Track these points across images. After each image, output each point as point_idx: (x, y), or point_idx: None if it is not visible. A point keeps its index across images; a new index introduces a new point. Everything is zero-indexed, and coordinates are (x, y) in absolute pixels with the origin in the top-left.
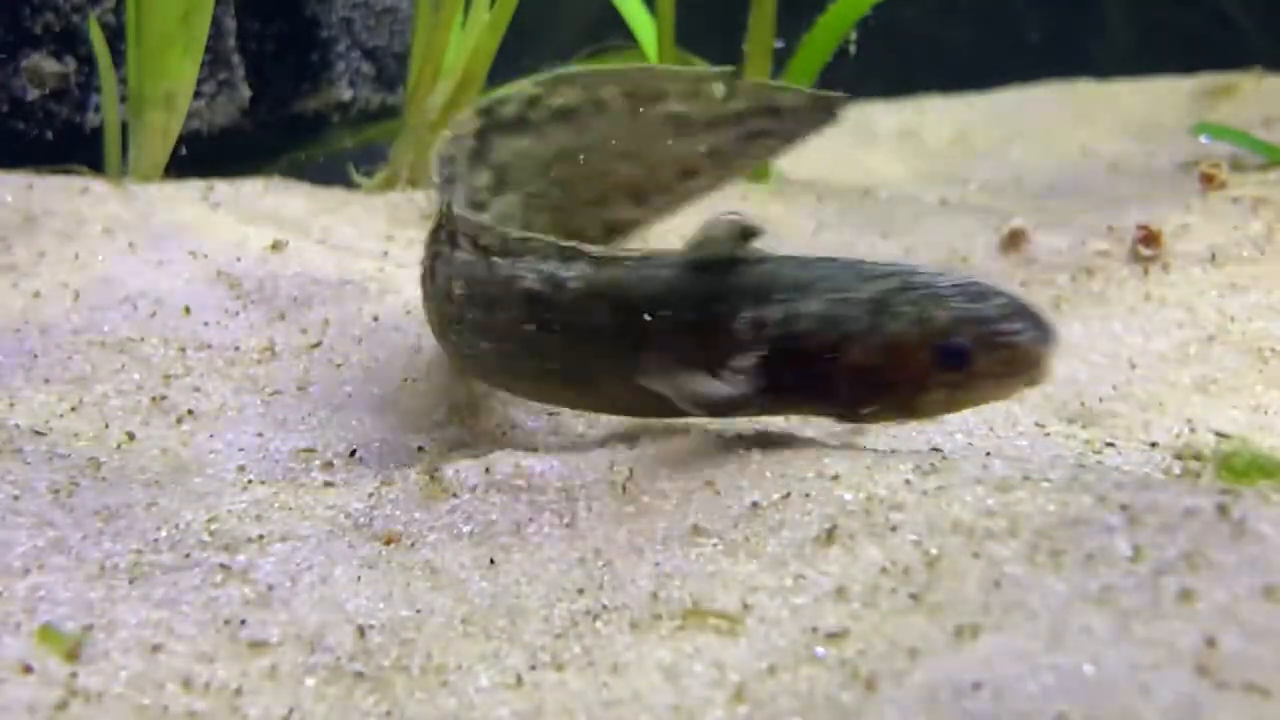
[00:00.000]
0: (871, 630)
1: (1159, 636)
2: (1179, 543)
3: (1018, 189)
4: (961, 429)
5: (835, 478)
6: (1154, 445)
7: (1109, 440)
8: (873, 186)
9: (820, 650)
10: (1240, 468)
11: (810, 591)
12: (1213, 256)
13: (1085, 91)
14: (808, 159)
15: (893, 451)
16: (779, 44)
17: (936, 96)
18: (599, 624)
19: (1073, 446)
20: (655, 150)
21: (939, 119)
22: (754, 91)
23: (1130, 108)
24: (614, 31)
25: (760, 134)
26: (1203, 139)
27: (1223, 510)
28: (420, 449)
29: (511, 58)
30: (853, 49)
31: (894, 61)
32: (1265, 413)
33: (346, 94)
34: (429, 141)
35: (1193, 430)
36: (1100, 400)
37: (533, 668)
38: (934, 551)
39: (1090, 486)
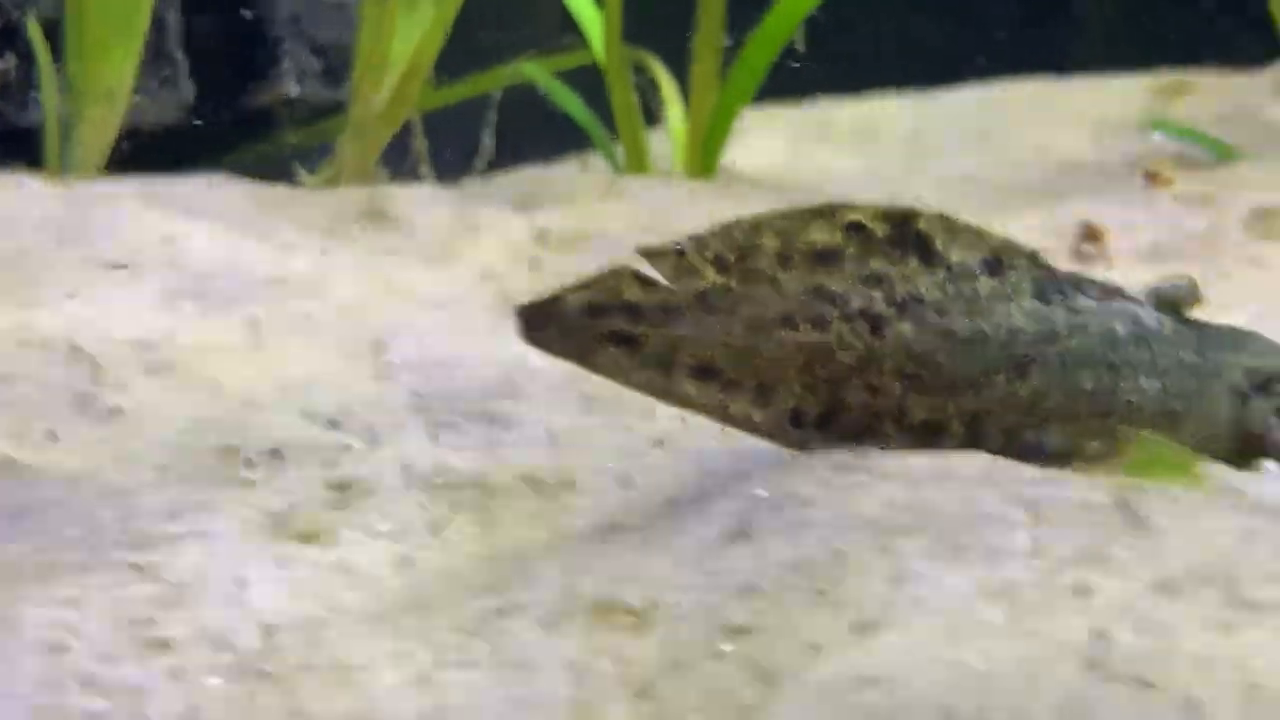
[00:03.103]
0: (776, 627)
1: (1051, 630)
2: (1077, 538)
3: (969, 186)
4: None
5: (750, 475)
6: None
7: None
8: (825, 183)
9: (726, 647)
10: (1143, 463)
11: (720, 588)
12: (1155, 253)
13: (1043, 89)
14: (759, 154)
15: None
16: (728, 41)
17: (893, 93)
18: (508, 622)
19: None
20: None
21: (895, 116)
22: None
23: (1088, 105)
24: (565, 27)
25: None
26: (1156, 136)
27: (1122, 505)
28: (348, 447)
29: (460, 53)
30: (800, 46)
31: (850, 58)
32: None
33: (293, 90)
34: (373, 137)
35: None
36: None
37: (440, 666)
38: (842, 548)
39: (999, 482)
